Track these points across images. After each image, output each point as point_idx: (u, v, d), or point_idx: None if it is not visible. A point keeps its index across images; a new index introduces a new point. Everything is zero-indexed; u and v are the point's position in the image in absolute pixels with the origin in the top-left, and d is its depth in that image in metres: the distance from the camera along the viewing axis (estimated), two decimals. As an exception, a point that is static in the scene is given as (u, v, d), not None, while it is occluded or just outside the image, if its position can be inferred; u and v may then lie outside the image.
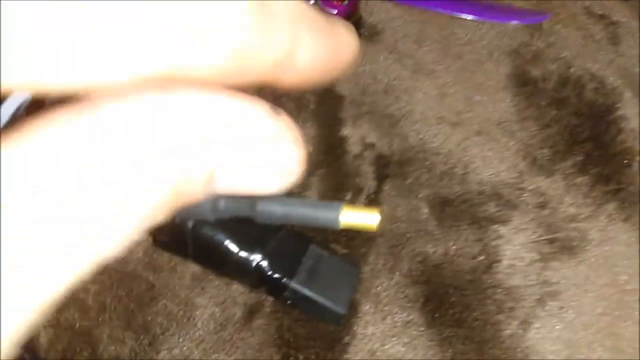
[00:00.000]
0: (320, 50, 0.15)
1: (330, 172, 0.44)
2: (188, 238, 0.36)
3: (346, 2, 0.47)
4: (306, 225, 0.34)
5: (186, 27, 0.12)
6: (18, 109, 0.31)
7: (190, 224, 0.36)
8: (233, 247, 0.36)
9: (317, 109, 0.47)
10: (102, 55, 0.11)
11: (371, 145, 0.45)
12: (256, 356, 0.37)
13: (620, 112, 0.47)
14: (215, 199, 0.33)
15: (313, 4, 0.45)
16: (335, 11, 0.47)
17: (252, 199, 0.33)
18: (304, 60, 0.14)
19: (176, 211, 0.30)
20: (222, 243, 0.36)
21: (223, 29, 0.12)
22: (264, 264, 0.36)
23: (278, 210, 0.33)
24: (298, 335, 0.37)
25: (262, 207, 0.33)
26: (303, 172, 0.16)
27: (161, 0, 0.12)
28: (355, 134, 0.46)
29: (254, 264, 0.36)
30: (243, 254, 0.36)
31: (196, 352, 0.37)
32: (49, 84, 0.11)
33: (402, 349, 0.37)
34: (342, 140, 0.45)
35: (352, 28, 0.17)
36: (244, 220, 0.37)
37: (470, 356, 0.36)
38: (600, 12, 0.53)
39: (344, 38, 0.17)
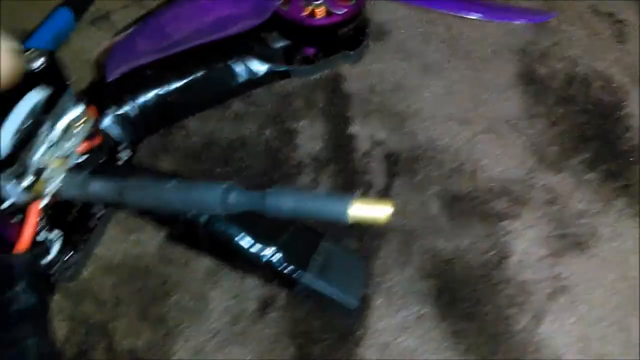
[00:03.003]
0: None
1: (340, 169, 0.44)
2: (201, 233, 0.37)
3: (353, 2, 0.47)
4: (315, 219, 0.35)
5: None
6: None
7: (203, 219, 0.36)
8: (245, 241, 0.37)
9: (325, 107, 0.47)
10: None
11: (380, 143, 0.45)
12: (270, 348, 0.37)
13: (627, 110, 0.47)
14: (226, 195, 0.33)
15: (321, 3, 0.46)
16: (343, 11, 0.47)
17: (262, 193, 0.33)
18: None
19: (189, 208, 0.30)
20: (234, 238, 0.36)
21: None
22: (276, 258, 0.37)
23: (287, 204, 0.33)
24: (312, 327, 0.37)
25: (271, 201, 0.33)
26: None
27: None
28: (364, 132, 0.46)
29: (266, 258, 0.37)
30: (255, 248, 0.37)
31: (211, 344, 0.37)
32: None
33: (415, 342, 0.37)
34: (351, 137, 0.46)
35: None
36: (257, 215, 0.37)
37: (483, 350, 0.36)
38: (606, 10, 0.53)
39: None
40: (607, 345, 0.37)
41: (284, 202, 0.32)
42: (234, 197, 0.33)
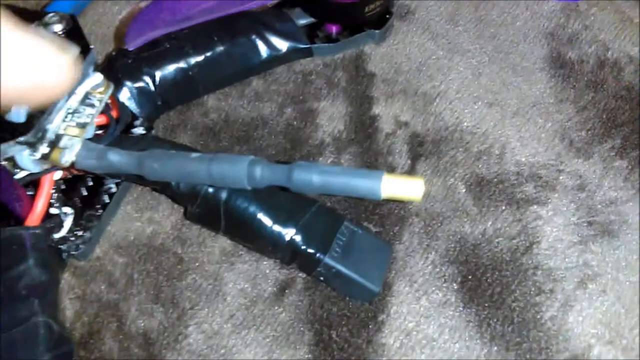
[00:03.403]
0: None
1: (362, 150, 0.43)
2: (221, 210, 0.35)
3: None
4: (345, 195, 0.33)
5: None
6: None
7: (223, 195, 0.35)
8: (266, 220, 0.35)
9: (347, 87, 0.46)
10: None
11: (404, 124, 0.44)
12: (288, 333, 0.36)
13: (660, 96, 0.45)
14: (251, 167, 0.32)
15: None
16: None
17: (289, 168, 0.32)
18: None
19: (212, 182, 0.31)
20: (256, 216, 0.35)
21: None
22: (298, 238, 0.35)
23: (315, 180, 0.32)
24: (331, 312, 0.36)
25: (298, 175, 0.32)
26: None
27: None
28: (388, 113, 0.44)
29: (288, 237, 0.35)
30: (277, 227, 0.35)
31: (226, 328, 0.36)
32: None
33: (439, 329, 0.36)
34: (374, 118, 0.44)
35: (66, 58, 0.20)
36: (277, 195, 0.35)
37: (510, 337, 0.35)
38: (637, -4, 0.52)
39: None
40: (637, 337, 0.36)
41: (312, 176, 0.31)
42: (259, 170, 0.31)
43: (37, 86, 0.21)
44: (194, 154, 0.33)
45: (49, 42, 0.21)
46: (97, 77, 0.34)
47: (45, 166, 0.34)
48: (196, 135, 0.44)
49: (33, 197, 0.36)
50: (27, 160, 0.32)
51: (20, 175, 0.35)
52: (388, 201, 0.40)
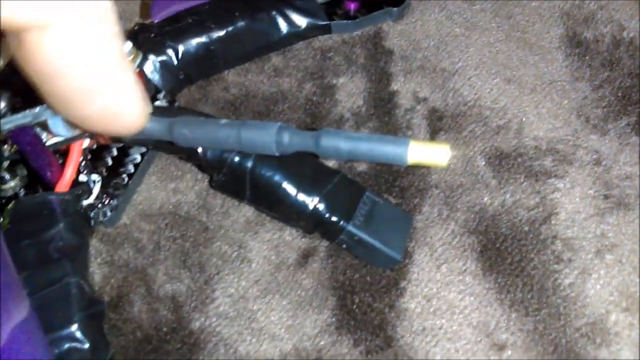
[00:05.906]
0: None
1: (381, 125, 0.43)
2: (246, 178, 0.36)
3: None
4: (371, 161, 0.34)
5: None
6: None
7: (249, 164, 0.36)
8: (291, 188, 0.36)
9: (366, 63, 0.47)
10: None
11: (423, 99, 0.44)
12: (311, 298, 0.36)
13: (674, 75, 0.46)
14: (280, 133, 0.32)
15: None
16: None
17: (317, 134, 0.33)
18: None
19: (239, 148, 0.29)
20: (281, 184, 0.36)
21: None
22: (321, 206, 0.36)
23: (343, 146, 0.32)
24: (353, 279, 0.37)
25: (326, 141, 0.32)
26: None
27: None
28: (407, 88, 0.45)
29: (312, 206, 0.36)
30: (301, 195, 0.36)
31: (251, 293, 0.36)
32: None
33: (459, 295, 0.36)
34: (393, 94, 0.45)
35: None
36: (301, 165, 0.36)
37: (529, 303, 0.36)
38: (651, -23, 0.52)
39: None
40: (654, 306, 0.36)
41: (340, 141, 0.31)
42: (287, 136, 0.32)
43: (111, 117, 0.21)
44: (223, 121, 0.33)
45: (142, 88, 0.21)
46: (127, 45, 0.35)
47: (76, 132, 0.34)
48: (217, 109, 0.44)
49: (62, 165, 0.36)
50: (59, 124, 0.33)
51: (50, 142, 0.36)
52: (409, 172, 0.41)
